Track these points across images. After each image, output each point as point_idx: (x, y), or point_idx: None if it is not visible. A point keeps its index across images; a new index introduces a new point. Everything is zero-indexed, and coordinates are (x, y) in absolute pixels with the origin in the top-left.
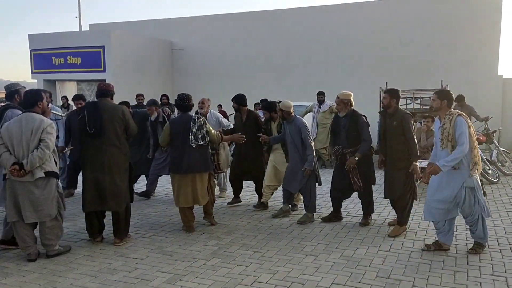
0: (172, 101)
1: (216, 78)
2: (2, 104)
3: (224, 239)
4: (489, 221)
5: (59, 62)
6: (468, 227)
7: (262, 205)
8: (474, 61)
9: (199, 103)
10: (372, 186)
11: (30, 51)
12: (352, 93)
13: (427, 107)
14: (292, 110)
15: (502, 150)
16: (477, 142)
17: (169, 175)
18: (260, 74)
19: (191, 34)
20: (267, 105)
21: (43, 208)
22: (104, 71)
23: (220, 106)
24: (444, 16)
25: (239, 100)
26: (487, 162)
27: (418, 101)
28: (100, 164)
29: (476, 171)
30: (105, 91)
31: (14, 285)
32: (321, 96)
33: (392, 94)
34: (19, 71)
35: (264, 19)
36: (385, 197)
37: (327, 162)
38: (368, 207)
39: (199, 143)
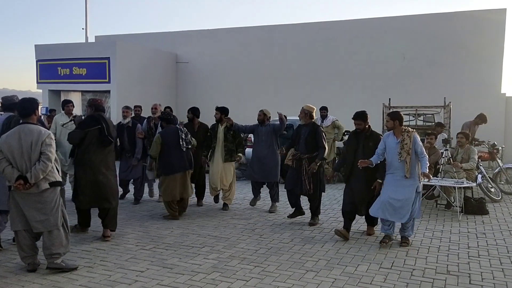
0: (175, 113)
1: (218, 90)
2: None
3: (225, 253)
4: (492, 240)
5: (64, 73)
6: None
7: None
8: (478, 79)
9: (152, 108)
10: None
11: (36, 61)
12: (315, 108)
13: (430, 123)
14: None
15: (507, 167)
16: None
17: None
18: (260, 86)
19: (195, 47)
20: (222, 108)
21: (49, 218)
22: (109, 82)
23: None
24: (447, 34)
25: (195, 111)
26: (490, 181)
27: (421, 118)
28: (104, 166)
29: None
30: (102, 106)
31: None
32: (324, 111)
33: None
34: (24, 81)
35: (265, 34)
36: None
37: (330, 178)
38: (316, 210)
39: (188, 146)
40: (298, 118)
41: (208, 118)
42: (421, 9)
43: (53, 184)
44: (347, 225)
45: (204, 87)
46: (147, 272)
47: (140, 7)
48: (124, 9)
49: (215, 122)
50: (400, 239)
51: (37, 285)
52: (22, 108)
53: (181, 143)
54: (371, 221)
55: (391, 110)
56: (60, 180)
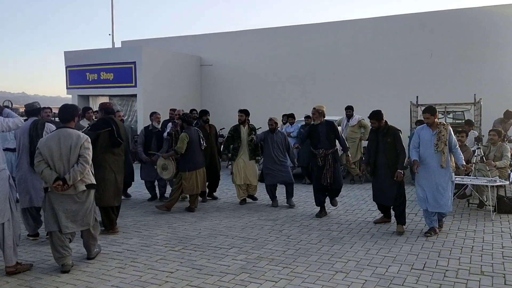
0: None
1: (243, 92)
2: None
3: (253, 254)
4: None
5: (92, 78)
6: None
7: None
8: (508, 74)
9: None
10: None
11: (66, 67)
12: (325, 106)
13: (460, 121)
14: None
15: None
16: None
17: None
18: (286, 87)
19: (219, 49)
20: (246, 110)
21: (83, 218)
22: (135, 86)
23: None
24: (476, 29)
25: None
26: None
27: (451, 115)
28: (117, 167)
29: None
30: (112, 110)
31: None
32: (349, 110)
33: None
34: (54, 87)
35: (291, 34)
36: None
37: (356, 177)
38: (400, 217)
39: (205, 145)
40: (326, 119)
41: (232, 119)
42: (448, 4)
43: (89, 187)
44: (385, 214)
45: (228, 89)
46: (176, 273)
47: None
48: (149, 14)
49: (236, 124)
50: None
51: (71, 286)
52: (64, 114)
53: (201, 142)
54: (401, 220)
55: (421, 107)
56: (95, 183)
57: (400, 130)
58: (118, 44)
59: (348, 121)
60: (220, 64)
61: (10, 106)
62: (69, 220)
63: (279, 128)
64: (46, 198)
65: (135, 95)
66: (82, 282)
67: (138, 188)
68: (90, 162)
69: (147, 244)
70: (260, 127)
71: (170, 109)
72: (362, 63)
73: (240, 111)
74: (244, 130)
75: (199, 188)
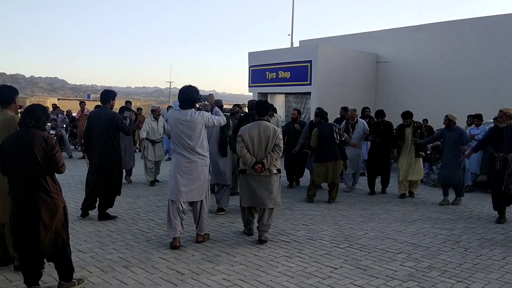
0: (372, 114)
1: (421, 90)
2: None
3: (423, 262)
4: None
5: (271, 77)
6: None
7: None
8: None
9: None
10: None
11: (249, 67)
12: None
13: None
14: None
15: None
16: None
17: None
18: (472, 86)
19: (397, 45)
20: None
21: (275, 197)
22: (310, 84)
23: (426, 120)
24: None
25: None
26: None
27: None
28: None
29: None
30: (253, 106)
31: (224, 272)
32: None
33: None
34: (237, 85)
35: (481, 27)
36: None
37: None
38: None
39: (341, 139)
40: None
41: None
42: None
43: (278, 171)
44: None
45: (405, 87)
46: (340, 270)
47: (343, 9)
48: (328, 13)
49: (401, 123)
50: None
51: (243, 266)
52: (261, 109)
53: (335, 136)
54: None
55: None
56: (280, 168)
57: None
58: (296, 44)
59: None
60: (398, 60)
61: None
62: (265, 197)
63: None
64: (243, 179)
65: (309, 93)
66: (253, 265)
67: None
68: (282, 150)
69: (313, 238)
70: (439, 129)
71: (341, 108)
72: None
73: (404, 116)
74: (409, 130)
75: (327, 178)
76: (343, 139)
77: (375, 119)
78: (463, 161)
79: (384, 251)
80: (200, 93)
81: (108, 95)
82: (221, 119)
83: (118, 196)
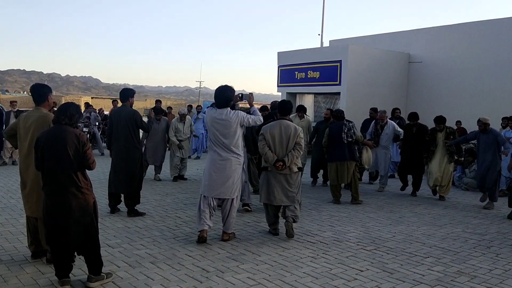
0: (403, 115)
1: (455, 91)
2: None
3: (452, 267)
4: None
5: (300, 77)
6: None
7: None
8: None
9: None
10: None
11: (278, 67)
12: None
13: None
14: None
15: None
16: None
17: None
18: (507, 86)
19: (431, 45)
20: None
21: (293, 195)
22: (339, 84)
23: (459, 122)
24: None
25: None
26: None
27: None
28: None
29: None
30: (275, 106)
31: (248, 271)
32: None
33: None
34: (266, 85)
35: None
36: None
37: None
38: None
39: (348, 139)
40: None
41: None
42: None
43: (299, 169)
44: None
45: (438, 88)
46: (366, 272)
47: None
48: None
49: (434, 127)
50: None
51: (268, 266)
52: (284, 109)
53: (343, 135)
54: None
55: None
56: (302, 166)
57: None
58: (326, 44)
59: None
60: (431, 60)
61: (241, 97)
62: (283, 195)
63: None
64: (265, 176)
65: (338, 93)
66: (278, 264)
67: None
68: (303, 149)
69: (339, 239)
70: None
71: (371, 109)
72: None
73: (437, 121)
74: (440, 135)
75: (338, 179)
76: (350, 139)
77: (407, 121)
78: (499, 164)
79: (412, 255)
80: (238, 92)
81: (127, 93)
82: (256, 119)
83: (141, 191)
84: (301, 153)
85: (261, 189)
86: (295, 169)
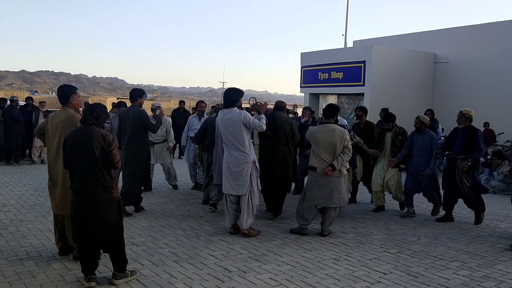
0: (436, 117)
1: (482, 92)
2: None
3: (479, 272)
4: None
5: (323, 77)
6: None
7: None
8: None
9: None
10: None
11: (301, 67)
12: (473, 111)
13: None
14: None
15: None
16: None
17: None
18: None
19: (457, 45)
20: (388, 115)
21: (343, 196)
22: (363, 85)
23: (487, 124)
24: None
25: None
26: None
27: None
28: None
29: None
30: (280, 107)
31: (270, 272)
32: None
33: None
34: (289, 85)
35: None
36: None
37: None
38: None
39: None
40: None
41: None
42: None
43: (347, 171)
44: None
45: (465, 88)
46: (390, 275)
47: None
48: (383, 12)
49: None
50: None
51: (290, 267)
52: (328, 112)
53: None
54: None
55: None
56: (349, 168)
57: None
58: (350, 44)
59: None
60: (458, 61)
61: (254, 102)
62: (335, 197)
63: None
64: (312, 176)
65: (362, 94)
66: (300, 266)
67: None
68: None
69: (362, 241)
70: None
71: (381, 109)
72: None
73: (386, 118)
74: (389, 135)
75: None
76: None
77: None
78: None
79: (437, 258)
80: (253, 94)
81: (136, 93)
82: (258, 123)
83: (165, 190)
84: (350, 155)
85: (308, 190)
86: (345, 172)
